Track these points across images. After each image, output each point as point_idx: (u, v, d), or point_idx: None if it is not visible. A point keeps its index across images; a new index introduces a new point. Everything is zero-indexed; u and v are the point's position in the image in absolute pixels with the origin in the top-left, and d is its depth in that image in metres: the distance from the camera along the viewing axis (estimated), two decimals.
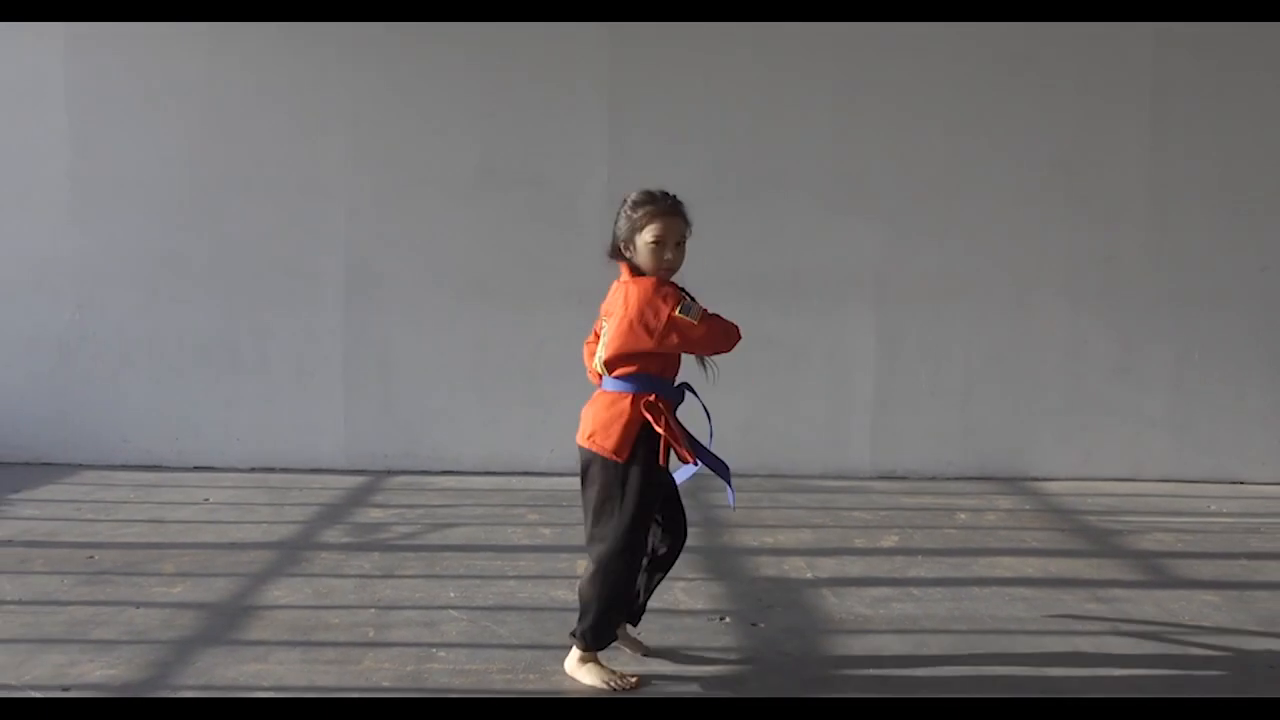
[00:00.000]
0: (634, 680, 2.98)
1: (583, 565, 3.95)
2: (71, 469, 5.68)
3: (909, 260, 5.82)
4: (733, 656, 3.28)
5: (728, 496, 3.27)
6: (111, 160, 5.73)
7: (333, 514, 4.93)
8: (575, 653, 3.03)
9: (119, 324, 5.79)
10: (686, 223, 3.02)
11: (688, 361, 3.10)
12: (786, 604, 3.75)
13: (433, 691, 2.96)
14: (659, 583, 3.22)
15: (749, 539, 4.60)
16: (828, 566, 4.20)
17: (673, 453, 2.95)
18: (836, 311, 5.83)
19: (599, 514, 2.97)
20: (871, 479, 5.81)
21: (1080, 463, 5.87)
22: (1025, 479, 5.82)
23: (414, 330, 5.83)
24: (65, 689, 2.94)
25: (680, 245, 3.00)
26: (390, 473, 5.77)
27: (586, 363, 3.15)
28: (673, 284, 3.01)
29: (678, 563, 3.23)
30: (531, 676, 3.08)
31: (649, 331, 2.89)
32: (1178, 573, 4.21)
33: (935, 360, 5.88)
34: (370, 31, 5.65)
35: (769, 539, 4.60)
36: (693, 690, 3.01)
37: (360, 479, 5.63)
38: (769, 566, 4.20)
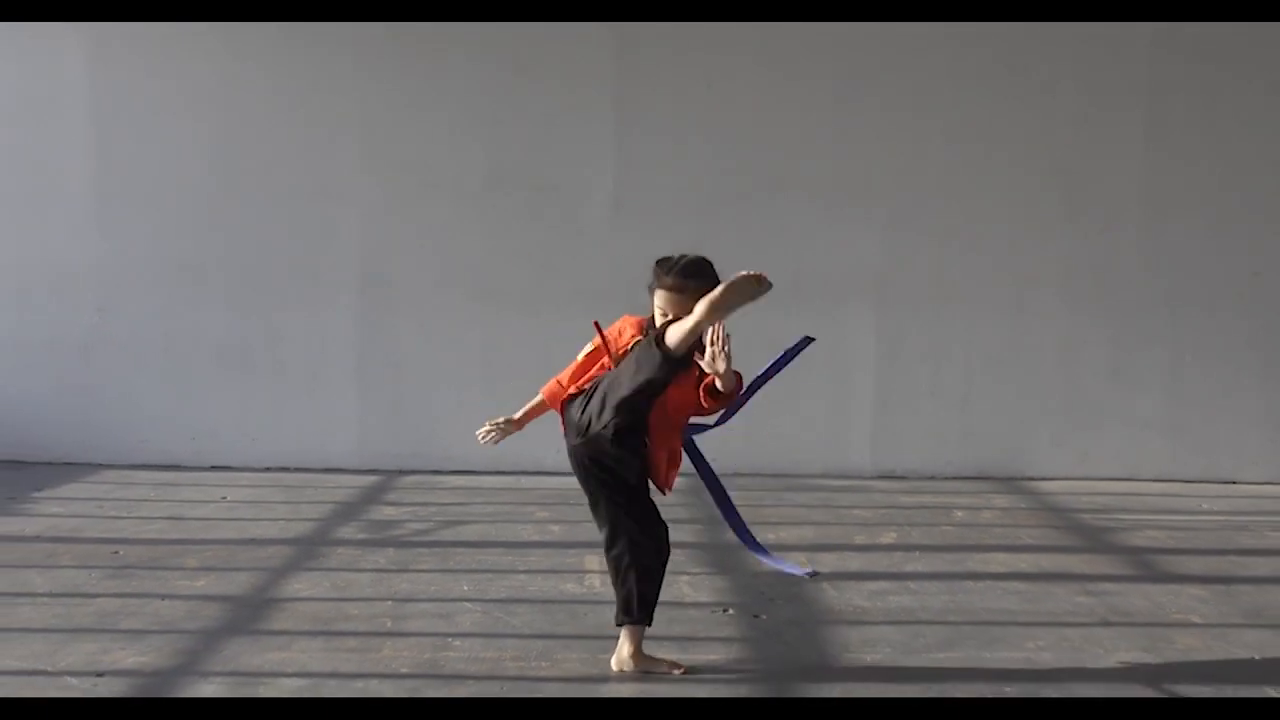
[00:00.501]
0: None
1: (590, 560, 4.11)
2: (92, 468, 5.84)
3: (909, 264, 5.96)
4: (736, 646, 3.41)
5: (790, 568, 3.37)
6: (132, 170, 5.89)
7: (347, 511, 5.08)
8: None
9: (138, 328, 5.95)
10: (700, 293, 2.89)
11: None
12: (788, 597, 3.89)
13: (450, 677, 3.11)
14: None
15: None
16: (828, 561, 4.33)
17: None
18: (837, 314, 5.97)
19: None
20: (872, 478, 5.95)
21: (1076, 463, 6.01)
22: (1022, 479, 5.95)
23: (424, 333, 5.98)
24: (100, 675, 3.09)
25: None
26: (402, 472, 5.91)
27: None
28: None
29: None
30: (543, 664, 3.22)
31: None
32: (1167, 568, 4.35)
33: (934, 362, 6.02)
34: (382, 43, 5.80)
35: (771, 535, 4.72)
36: (697, 676, 3.14)
37: (373, 478, 5.78)
38: None
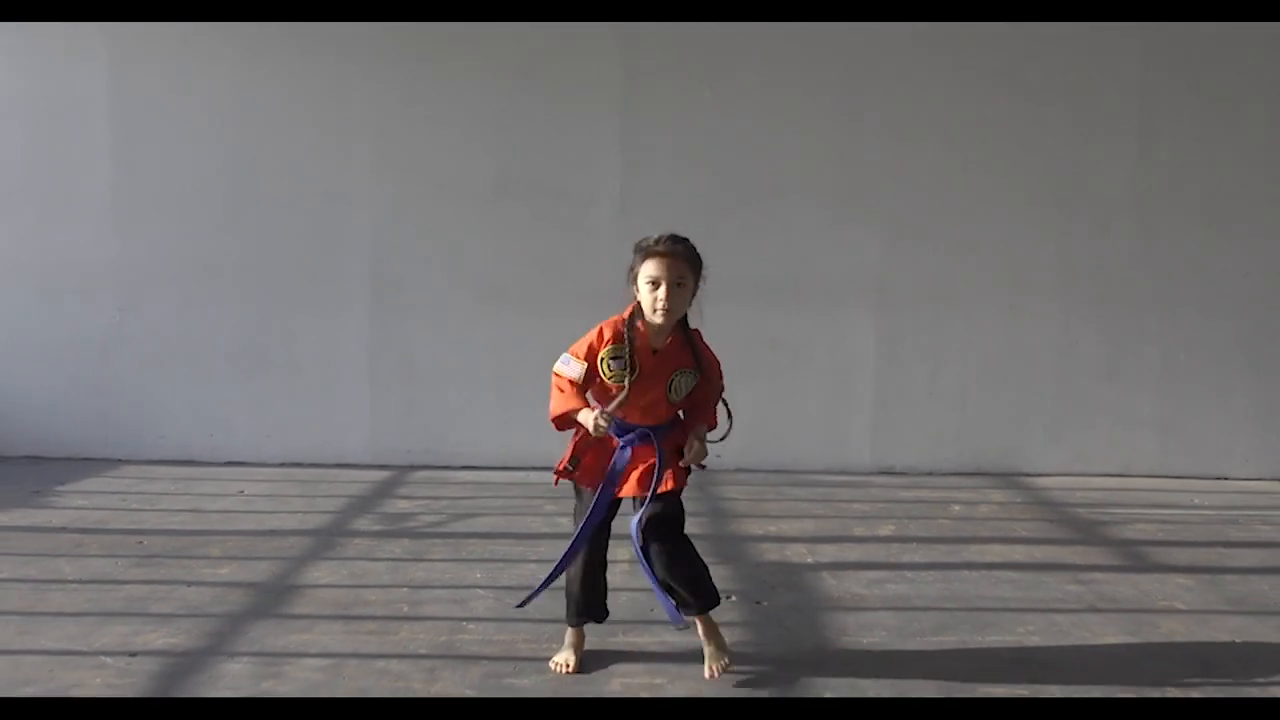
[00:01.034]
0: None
1: None
2: (111, 464, 6.00)
3: (908, 266, 6.12)
4: (737, 630, 3.55)
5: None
6: (150, 173, 6.06)
7: (362, 505, 5.24)
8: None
9: (157, 327, 6.11)
10: (691, 264, 3.01)
11: None
12: (788, 585, 4.04)
13: (466, 657, 3.26)
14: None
15: (754, 528, 4.89)
16: (828, 552, 4.49)
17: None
18: (838, 315, 6.13)
19: None
20: (871, 474, 6.10)
21: (1071, 460, 6.16)
22: (1018, 474, 6.10)
23: (435, 332, 6.14)
24: (133, 654, 3.24)
25: (682, 286, 3.03)
26: (413, 467, 6.07)
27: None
28: (616, 328, 3.08)
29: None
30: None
31: None
32: (1156, 559, 4.50)
33: (933, 362, 6.17)
34: (395, 54, 5.97)
35: (773, 528, 4.89)
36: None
37: (385, 473, 5.94)
38: (772, 552, 4.49)
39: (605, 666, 3.24)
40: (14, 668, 3.13)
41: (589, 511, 3.18)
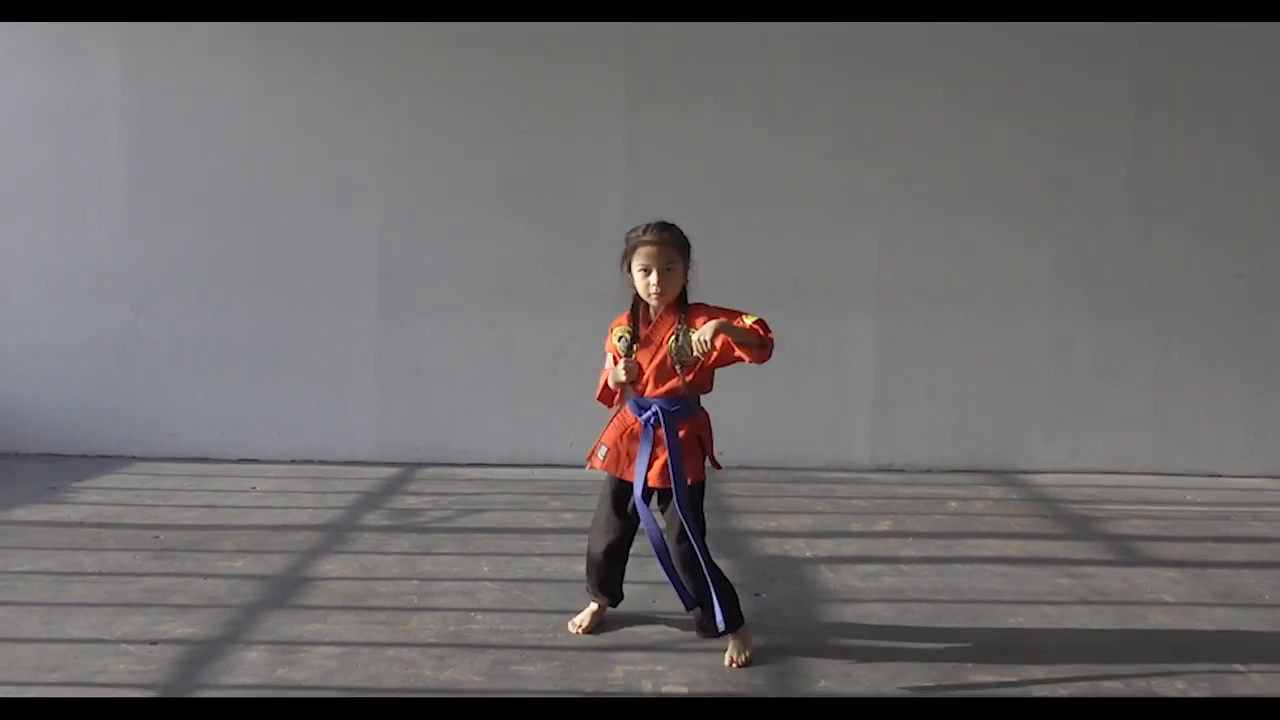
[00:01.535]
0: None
1: None
2: (126, 460, 6.13)
3: (906, 268, 6.23)
4: None
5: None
6: (164, 175, 6.19)
7: (371, 500, 5.36)
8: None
9: (171, 327, 6.24)
10: (679, 249, 3.22)
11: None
12: (787, 578, 4.16)
13: (474, 646, 3.38)
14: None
15: (754, 523, 5.01)
16: (826, 546, 4.60)
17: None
18: (838, 316, 6.24)
19: None
20: (870, 471, 6.21)
21: (1066, 458, 6.27)
22: (1015, 472, 6.22)
23: (443, 332, 6.27)
24: (153, 643, 3.37)
25: (671, 271, 3.22)
26: (421, 464, 6.20)
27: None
28: (622, 318, 3.36)
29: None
30: (559, 636, 3.49)
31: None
32: (1147, 554, 4.60)
33: (930, 361, 6.29)
34: (403, 54, 6.10)
35: (773, 523, 5.00)
36: (703, 646, 3.41)
37: (393, 470, 6.06)
38: (772, 546, 4.61)
39: (608, 653, 3.35)
40: (40, 655, 3.26)
41: (629, 501, 3.34)
